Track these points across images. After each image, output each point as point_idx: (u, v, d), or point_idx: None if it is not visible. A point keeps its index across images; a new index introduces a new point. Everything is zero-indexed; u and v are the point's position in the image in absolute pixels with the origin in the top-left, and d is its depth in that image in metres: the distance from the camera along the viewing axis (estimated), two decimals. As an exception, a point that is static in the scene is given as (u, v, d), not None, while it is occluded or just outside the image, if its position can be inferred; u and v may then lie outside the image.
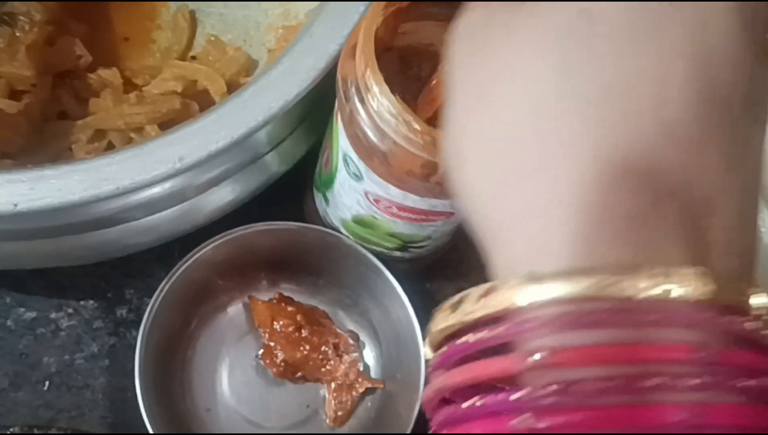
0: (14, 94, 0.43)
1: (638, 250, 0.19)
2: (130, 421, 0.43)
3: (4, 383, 0.43)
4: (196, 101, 0.45)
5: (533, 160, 0.20)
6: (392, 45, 0.37)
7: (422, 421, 0.40)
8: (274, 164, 0.43)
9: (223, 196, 0.42)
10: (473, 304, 0.20)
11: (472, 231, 0.23)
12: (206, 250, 0.42)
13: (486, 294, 0.20)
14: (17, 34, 0.43)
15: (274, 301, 0.44)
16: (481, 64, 0.21)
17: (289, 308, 0.44)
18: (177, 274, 0.41)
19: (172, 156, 0.35)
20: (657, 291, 0.18)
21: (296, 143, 0.43)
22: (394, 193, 0.36)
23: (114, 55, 0.46)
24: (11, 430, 0.38)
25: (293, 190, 0.47)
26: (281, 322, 0.43)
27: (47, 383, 0.43)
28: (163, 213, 0.40)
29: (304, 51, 0.37)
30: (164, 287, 0.41)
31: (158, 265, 0.45)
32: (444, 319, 0.21)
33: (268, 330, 0.43)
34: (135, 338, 0.44)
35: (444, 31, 0.23)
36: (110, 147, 0.44)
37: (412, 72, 0.39)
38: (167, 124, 0.44)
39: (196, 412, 0.43)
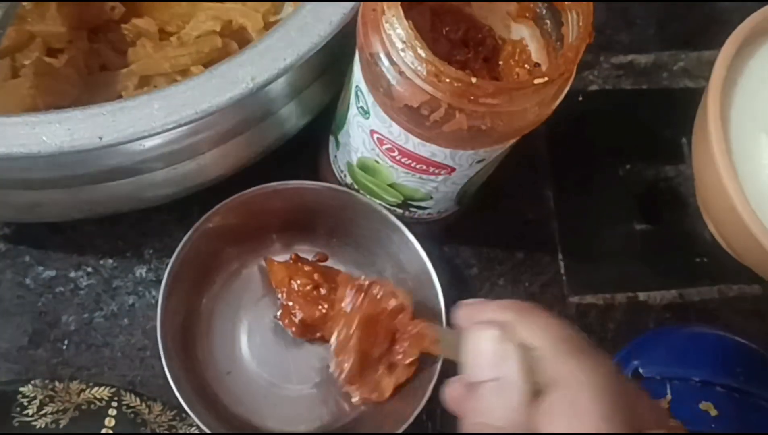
0: (52, 53, 0.43)
1: None
2: (149, 379, 0.43)
3: (24, 341, 0.43)
4: (234, 40, 0.45)
5: None
6: (426, 4, 0.38)
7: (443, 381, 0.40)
8: (293, 118, 0.42)
9: (239, 152, 0.42)
10: None
11: None
12: (221, 210, 0.42)
13: None
14: (43, -8, 0.43)
15: (290, 261, 0.44)
16: None
17: (306, 268, 0.44)
18: (193, 236, 0.41)
19: (244, 76, 0.35)
20: None
21: (315, 95, 0.43)
22: (396, 133, 0.36)
23: (142, 8, 0.46)
24: (33, 382, 0.38)
25: (309, 149, 0.46)
26: (298, 281, 0.43)
27: (66, 341, 0.43)
28: (180, 165, 0.40)
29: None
30: (182, 249, 0.41)
31: (176, 225, 0.45)
32: None
33: (285, 289, 0.43)
34: (154, 298, 0.45)
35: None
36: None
37: (444, 32, 0.39)
38: (211, 63, 0.44)
39: (217, 375, 0.43)
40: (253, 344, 0.44)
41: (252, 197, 0.42)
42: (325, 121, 0.44)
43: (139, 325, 0.44)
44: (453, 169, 0.38)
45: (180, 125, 0.34)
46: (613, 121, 0.53)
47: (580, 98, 0.54)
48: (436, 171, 0.38)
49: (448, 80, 0.32)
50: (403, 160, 0.38)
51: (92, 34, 0.45)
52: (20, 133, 0.33)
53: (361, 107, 0.37)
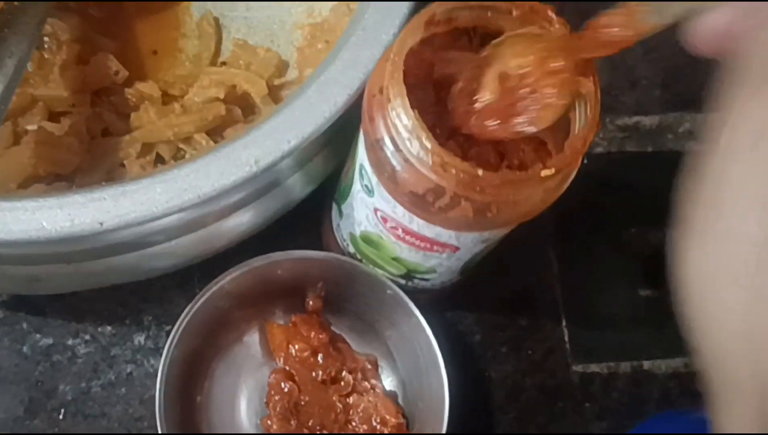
0: (55, 117, 0.43)
1: None
2: (146, 451, 0.42)
3: (20, 410, 0.42)
4: (237, 105, 0.45)
5: None
6: (431, 78, 0.37)
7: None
8: (297, 187, 0.42)
9: (244, 221, 0.42)
10: None
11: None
12: (225, 280, 0.41)
13: None
14: (46, 56, 0.43)
15: (290, 325, 0.44)
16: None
17: (305, 333, 0.43)
18: (197, 305, 0.41)
19: (247, 159, 0.35)
20: None
21: (318, 166, 0.42)
22: (401, 214, 0.35)
23: (145, 69, 0.46)
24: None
25: (313, 217, 0.46)
26: (297, 347, 0.43)
27: (63, 411, 0.42)
28: (183, 238, 0.40)
29: (361, 43, 0.37)
30: (184, 318, 0.40)
31: (177, 292, 0.45)
32: None
33: (283, 354, 0.43)
34: (152, 366, 0.44)
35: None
36: (159, 159, 0.44)
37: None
38: (214, 131, 0.44)
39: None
40: (252, 412, 0.43)
41: (255, 268, 0.42)
42: (328, 186, 0.44)
43: (136, 395, 0.43)
44: (458, 248, 0.38)
45: (182, 209, 0.34)
46: (618, 185, 0.53)
47: (585, 161, 0.53)
48: (441, 249, 0.38)
49: (453, 171, 0.32)
50: (407, 238, 0.38)
51: (95, 97, 0.45)
52: (20, 219, 0.32)
53: (366, 185, 0.37)
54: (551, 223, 0.51)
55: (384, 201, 0.36)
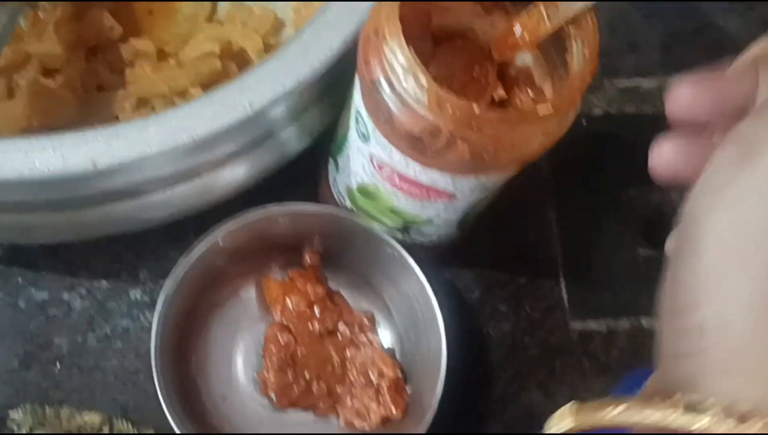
0: (49, 73, 0.43)
1: None
2: (142, 403, 0.42)
3: (14, 363, 0.42)
4: (233, 62, 0.45)
5: None
6: (428, 30, 0.37)
7: (444, 405, 0.39)
8: (291, 141, 0.42)
9: (238, 174, 0.41)
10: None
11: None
12: (220, 232, 0.41)
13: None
14: (41, 15, 0.43)
15: (287, 280, 0.44)
16: None
17: (301, 286, 0.43)
18: (191, 258, 0.40)
19: (241, 101, 0.35)
20: None
21: (314, 119, 0.42)
22: (397, 159, 0.35)
23: (141, 29, 0.45)
24: (22, 407, 0.37)
25: (308, 172, 0.46)
26: (293, 300, 0.42)
27: (58, 364, 0.42)
28: (177, 188, 0.39)
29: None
30: (179, 272, 0.40)
31: (172, 247, 0.45)
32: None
33: (279, 307, 0.43)
34: (148, 320, 0.44)
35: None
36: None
37: (446, 61, 0.38)
38: (209, 85, 0.44)
39: (213, 400, 0.42)
40: (249, 368, 0.43)
41: (252, 221, 0.42)
42: (324, 142, 0.43)
43: (132, 349, 0.43)
44: (454, 197, 0.37)
45: (175, 151, 0.33)
46: (617, 146, 0.53)
47: (584, 122, 0.53)
48: (437, 197, 0.38)
49: (449, 108, 0.31)
50: (403, 186, 0.37)
51: (89, 53, 0.44)
52: (13, 158, 0.32)
53: (362, 132, 0.37)
54: (551, 181, 0.51)
55: (380, 147, 0.36)
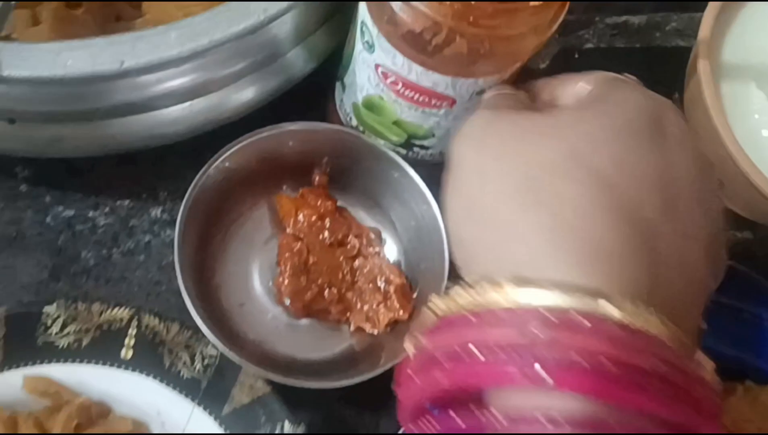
0: (70, 6, 0.45)
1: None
2: (164, 312, 0.45)
3: (44, 275, 0.45)
4: None
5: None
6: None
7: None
8: (298, 63, 0.45)
9: (248, 92, 0.44)
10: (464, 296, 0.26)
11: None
12: (232, 151, 0.44)
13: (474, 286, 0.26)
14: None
15: (299, 196, 0.46)
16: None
17: (312, 202, 0.46)
18: (206, 174, 0.43)
19: (256, 9, 0.37)
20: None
21: (320, 42, 0.45)
22: (400, 63, 0.38)
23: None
24: (56, 302, 0.40)
25: (316, 98, 0.48)
26: (305, 212, 0.45)
27: (85, 276, 0.45)
28: (191, 103, 0.42)
29: None
30: (195, 190, 0.43)
31: (190, 170, 0.47)
32: (435, 307, 0.27)
33: (292, 220, 0.45)
34: (169, 236, 0.47)
35: None
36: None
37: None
38: None
39: (231, 306, 0.45)
40: (264, 278, 0.46)
41: (263, 138, 0.44)
42: (331, 67, 0.46)
43: (155, 262, 0.46)
44: (454, 101, 0.40)
45: (195, 53, 0.36)
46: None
47: (577, 55, 0.56)
48: (438, 103, 0.40)
49: (448, 4, 0.34)
50: (406, 92, 0.40)
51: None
52: (47, 59, 0.35)
53: (366, 42, 0.40)
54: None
55: (384, 53, 0.39)
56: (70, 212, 0.46)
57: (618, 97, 0.30)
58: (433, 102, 0.40)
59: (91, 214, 0.46)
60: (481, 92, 0.40)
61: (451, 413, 0.25)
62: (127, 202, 0.47)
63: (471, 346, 0.24)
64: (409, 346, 0.28)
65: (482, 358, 0.24)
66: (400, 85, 0.40)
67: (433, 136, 0.44)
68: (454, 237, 0.32)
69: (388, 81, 0.40)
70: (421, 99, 0.40)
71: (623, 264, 0.25)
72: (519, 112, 0.32)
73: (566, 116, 0.30)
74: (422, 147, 0.45)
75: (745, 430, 0.39)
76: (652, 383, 0.23)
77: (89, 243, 0.46)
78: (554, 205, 0.26)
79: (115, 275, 0.45)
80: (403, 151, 0.46)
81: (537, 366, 0.23)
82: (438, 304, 0.27)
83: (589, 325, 0.23)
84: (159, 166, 0.47)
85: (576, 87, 0.33)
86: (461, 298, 0.26)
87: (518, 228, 0.27)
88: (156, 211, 0.47)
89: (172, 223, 0.47)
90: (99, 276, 0.45)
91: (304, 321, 0.46)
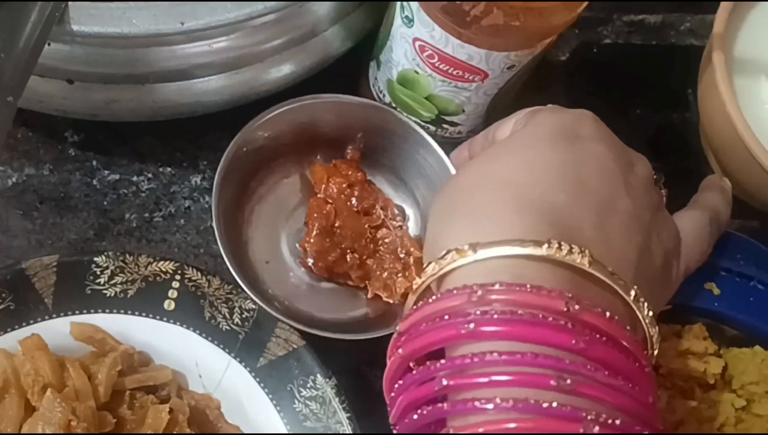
0: None
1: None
2: (202, 273, 0.47)
3: (90, 233, 0.47)
4: None
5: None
6: None
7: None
8: (335, 42, 0.47)
9: (286, 68, 0.46)
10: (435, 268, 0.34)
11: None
12: (269, 116, 0.46)
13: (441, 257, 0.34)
14: None
15: (331, 165, 0.49)
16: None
17: (344, 171, 0.48)
18: (242, 138, 0.45)
19: None
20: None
21: (357, 22, 0.47)
22: (438, 36, 0.41)
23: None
24: (106, 253, 0.42)
25: (350, 76, 0.51)
26: (336, 180, 0.47)
27: (128, 237, 0.47)
28: (230, 74, 0.45)
29: None
30: (230, 156, 0.45)
31: (228, 140, 0.49)
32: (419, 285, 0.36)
33: (323, 186, 0.48)
34: (207, 203, 0.49)
35: None
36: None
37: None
38: None
39: (259, 262, 0.47)
40: (290, 242, 0.48)
41: (297, 107, 0.47)
42: (365, 48, 0.49)
43: (193, 226, 0.48)
44: (486, 76, 0.43)
45: (250, 17, 0.39)
46: (625, 72, 0.58)
47: (595, 50, 0.58)
48: (471, 77, 0.43)
49: (487, -24, 0.37)
50: (442, 66, 0.43)
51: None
52: (113, 15, 0.38)
53: (406, 16, 0.42)
54: (564, 101, 0.56)
55: (422, 26, 0.41)
56: (115, 177, 0.48)
57: (536, 121, 0.39)
58: (467, 76, 0.43)
59: (134, 178, 0.49)
60: (511, 67, 0.43)
61: (411, 365, 0.33)
62: (169, 169, 0.49)
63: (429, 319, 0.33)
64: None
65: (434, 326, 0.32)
66: (437, 58, 0.42)
67: (463, 112, 0.46)
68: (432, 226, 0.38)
69: (425, 54, 0.43)
70: (455, 72, 0.43)
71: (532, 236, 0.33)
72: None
73: (493, 148, 0.40)
74: (451, 124, 0.48)
75: (753, 394, 0.41)
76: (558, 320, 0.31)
77: (132, 206, 0.48)
78: (475, 209, 0.35)
79: (156, 237, 0.48)
80: (433, 129, 0.48)
81: (470, 325, 0.31)
82: (417, 281, 0.36)
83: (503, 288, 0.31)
84: (200, 138, 0.50)
85: (511, 124, 0.41)
86: (431, 269, 0.35)
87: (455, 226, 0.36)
88: (196, 179, 0.49)
89: (211, 190, 0.49)
90: (141, 237, 0.47)
91: (324, 284, 0.48)
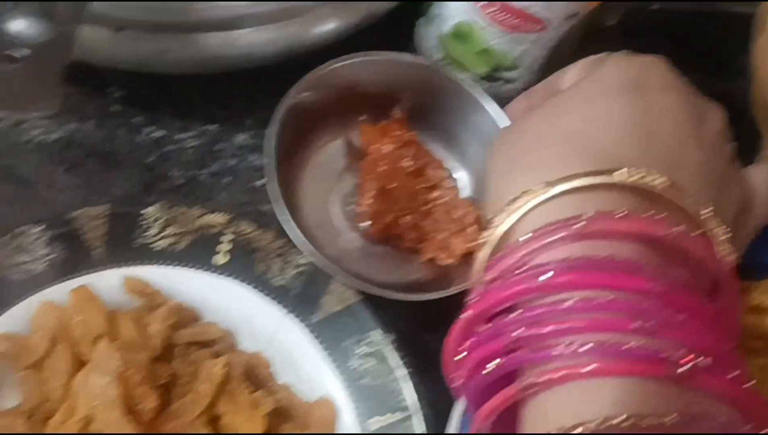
0: None
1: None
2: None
3: (137, 189, 0.46)
4: None
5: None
6: None
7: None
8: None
9: (332, 23, 0.46)
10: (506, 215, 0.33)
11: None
12: (316, 75, 0.45)
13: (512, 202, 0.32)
14: None
15: (381, 126, 0.48)
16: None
17: (395, 132, 0.47)
18: (290, 103, 0.44)
19: None
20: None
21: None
22: None
23: None
24: (156, 204, 0.41)
25: (398, 32, 0.50)
26: (386, 141, 0.46)
27: (174, 193, 0.46)
28: (277, 25, 0.44)
29: None
30: (281, 114, 0.44)
31: (275, 100, 0.48)
32: (487, 239, 0.33)
33: (373, 147, 0.46)
34: (252, 161, 0.48)
35: None
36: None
37: None
38: None
39: (312, 225, 0.45)
40: (340, 206, 0.47)
41: (342, 67, 0.45)
42: (413, 7, 0.48)
43: (239, 184, 0.47)
44: (545, 26, 0.42)
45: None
46: (674, 38, 0.57)
47: (644, 15, 0.57)
48: (530, 27, 0.42)
49: None
50: (499, 16, 0.42)
51: None
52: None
53: (467, -37, 0.41)
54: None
55: (484, -27, 0.40)
56: (160, 133, 0.47)
57: (602, 70, 0.37)
58: (524, 24, 0.42)
59: (180, 135, 0.47)
60: (571, 16, 0.42)
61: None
62: (214, 126, 0.48)
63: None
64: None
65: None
66: (495, 8, 0.41)
67: (519, 67, 0.45)
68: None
69: (481, 4, 0.42)
70: (513, 22, 0.42)
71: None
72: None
73: (558, 98, 0.38)
74: (506, 80, 0.46)
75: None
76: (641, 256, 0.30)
77: (178, 163, 0.47)
78: (543, 160, 0.34)
79: (203, 195, 0.46)
80: (486, 85, 0.47)
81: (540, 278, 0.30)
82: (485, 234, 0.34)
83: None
84: (245, 96, 0.49)
85: (576, 71, 0.39)
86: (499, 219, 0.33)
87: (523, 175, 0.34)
88: (242, 137, 0.48)
89: (257, 149, 0.48)
90: (188, 194, 0.46)
91: (376, 248, 0.46)
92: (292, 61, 0.45)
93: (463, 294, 0.34)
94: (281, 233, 0.42)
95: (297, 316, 0.42)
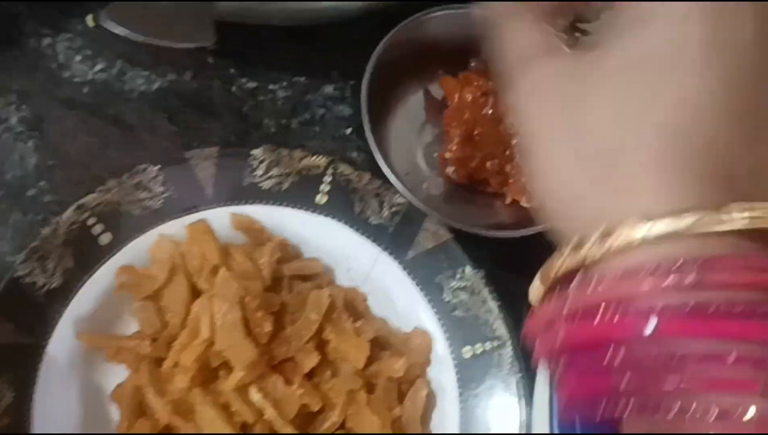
0: None
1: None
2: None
3: (232, 137, 0.48)
4: None
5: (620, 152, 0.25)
6: None
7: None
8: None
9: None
10: (596, 245, 0.25)
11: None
12: (405, 27, 0.47)
13: (606, 235, 0.25)
14: None
15: (461, 77, 0.50)
16: (566, 101, 0.27)
17: (476, 82, 0.49)
18: (379, 53, 0.46)
19: None
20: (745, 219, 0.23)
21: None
22: None
23: None
24: (263, 146, 0.44)
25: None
26: (468, 90, 0.49)
27: (267, 141, 0.48)
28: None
29: None
30: (371, 66, 0.46)
31: (358, 54, 0.50)
32: (564, 260, 0.26)
33: (457, 95, 0.49)
34: (340, 111, 0.50)
35: None
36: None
37: None
38: None
39: (399, 172, 0.48)
40: (429, 151, 0.49)
41: (428, 19, 0.48)
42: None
43: (329, 133, 0.50)
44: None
45: None
46: None
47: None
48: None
49: None
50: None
51: None
52: None
53: None
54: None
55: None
56: (253, 84, 0.50)
57: (672, 28, 0.27)
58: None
59: (271, 86, 0.50)
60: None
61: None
62: (303, 78, 0.50)
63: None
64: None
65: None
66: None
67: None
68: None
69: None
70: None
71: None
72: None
73: (610, 69, 0.27)
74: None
75: None
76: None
77: (270, 112, 0.49)
78: (634, 176, 0.26)
79: (294, 143, 0.49)
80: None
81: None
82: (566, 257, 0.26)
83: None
84: (331, 50, 0.51)
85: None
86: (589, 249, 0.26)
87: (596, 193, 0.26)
88: (329, 89, 0.51)
89: (343, 99, 0.50)
90: (280, 142, 0.48)
91: (461, 192, 0.49)
92: (373, 16, 0.48)
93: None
94: (376, 175, 0.44)
95: (392, 253, 0.44)
